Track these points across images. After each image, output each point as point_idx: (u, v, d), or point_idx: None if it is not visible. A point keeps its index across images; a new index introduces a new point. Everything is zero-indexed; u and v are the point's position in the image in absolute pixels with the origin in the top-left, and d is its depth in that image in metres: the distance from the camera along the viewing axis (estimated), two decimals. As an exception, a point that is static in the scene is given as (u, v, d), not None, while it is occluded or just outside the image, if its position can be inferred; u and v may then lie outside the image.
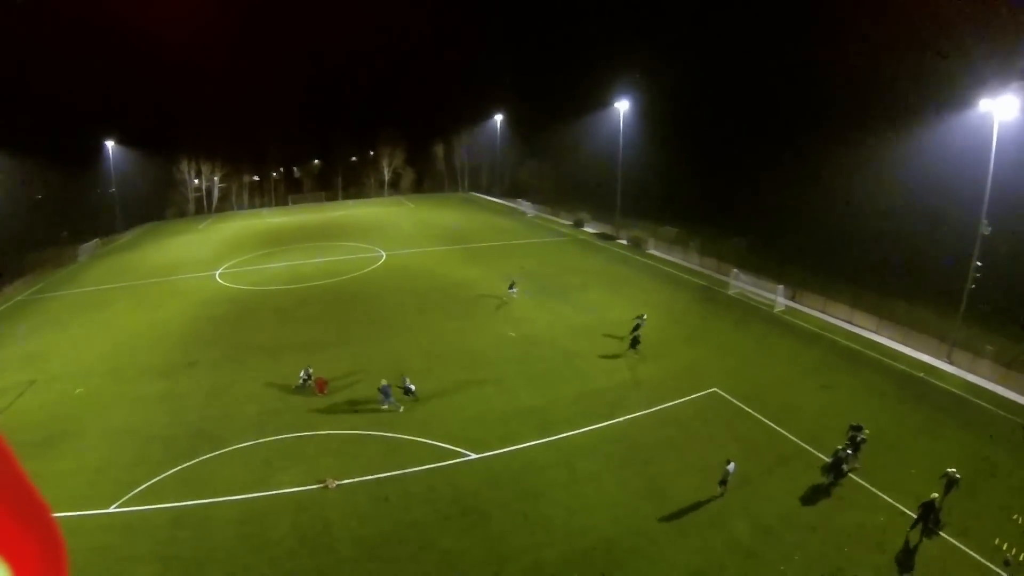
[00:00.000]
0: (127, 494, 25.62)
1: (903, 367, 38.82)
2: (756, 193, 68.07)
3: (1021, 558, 21.34)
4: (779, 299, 49.29)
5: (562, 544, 22.50)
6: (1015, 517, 23.44)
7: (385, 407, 32.37)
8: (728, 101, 76.43)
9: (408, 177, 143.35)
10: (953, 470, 24.20)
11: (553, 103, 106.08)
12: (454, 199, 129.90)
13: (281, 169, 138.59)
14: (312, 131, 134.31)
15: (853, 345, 42.43)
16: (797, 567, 21.24)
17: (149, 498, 25.48)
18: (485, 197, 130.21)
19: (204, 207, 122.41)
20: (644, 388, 35.10)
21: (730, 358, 39.63)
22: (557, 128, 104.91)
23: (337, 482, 26.18)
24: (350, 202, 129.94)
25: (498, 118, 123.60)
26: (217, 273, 64.98)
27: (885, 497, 24.95)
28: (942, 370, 38.46)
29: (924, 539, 22.13)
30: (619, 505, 24.77)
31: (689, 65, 79.95)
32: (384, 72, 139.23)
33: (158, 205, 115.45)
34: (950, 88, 47.38)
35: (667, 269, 63.36)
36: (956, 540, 22.32)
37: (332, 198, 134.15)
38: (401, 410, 32.48)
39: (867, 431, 27.61)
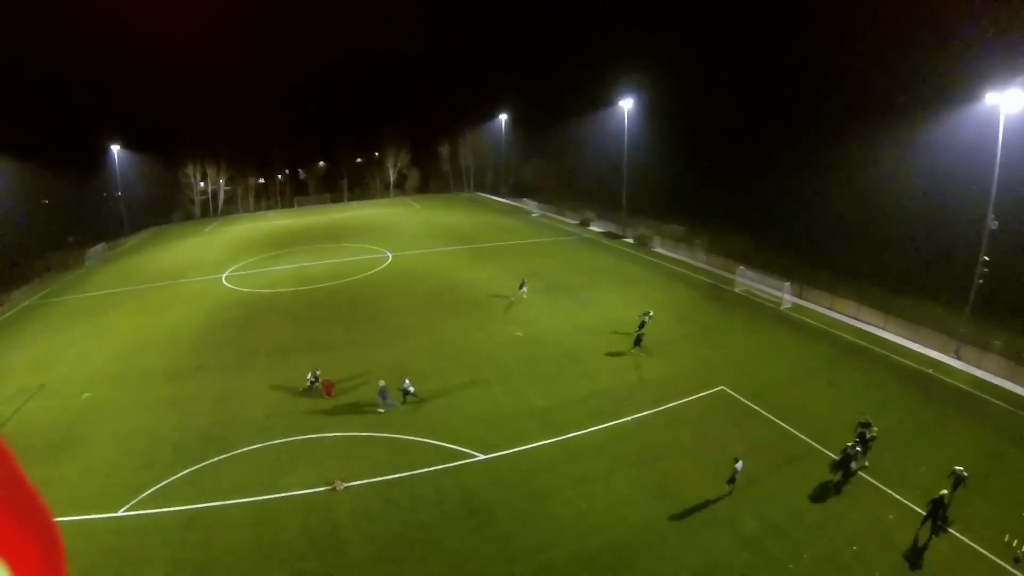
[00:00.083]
0: (136, 497, 25.69)
1: (911, 363, 38.70)
2: (762, 190, 67.95)
3: (1032, 554, 21.28)
4: (786, 296, 49.15)
5: (571, 544, 22.48)
6: (1025, 513, 23.36)
7: (381, 410, 32.46)
8: (733, 97, 76.33)
9: (413, 178, 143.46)
10: (960, 468, 24.07)
11: (558, 102, 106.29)
12: (460, 199, 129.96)
13: (286, 171, 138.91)
14: (317, 133, 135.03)
15: (860, 341, 42.31)
16: (806, 565, 21.18)
17: (159, 501, 25.54)
18: (491, 197, 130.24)
19: (210, 210, 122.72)
20: (651, 387, 35.04)
21: (737, 356, 39.56)
22: (562, 127, 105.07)
23: (345, 484, 26.21)
24: (355, 203, 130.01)
25: (503, 117, 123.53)
26: (223, 276, 65.12)
27: (894, 494, 24.88)
28: (950, 366, 38.34)
29: (933, 536, 22.05)
30: (628, 505, 24.74)
31: (694, 62, 79.92)
32: (388, 73, 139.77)
33: (164, 209, 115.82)
34: (956, 82, 47.20)
35: (673, 267, 63.26)
36: (966, 537, 22.24)
37: (337, 200, 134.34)
38: (398, 405, 32.58)
39: (876, 428, 27.53)
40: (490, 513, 24.38)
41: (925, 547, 21.77)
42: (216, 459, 28.61)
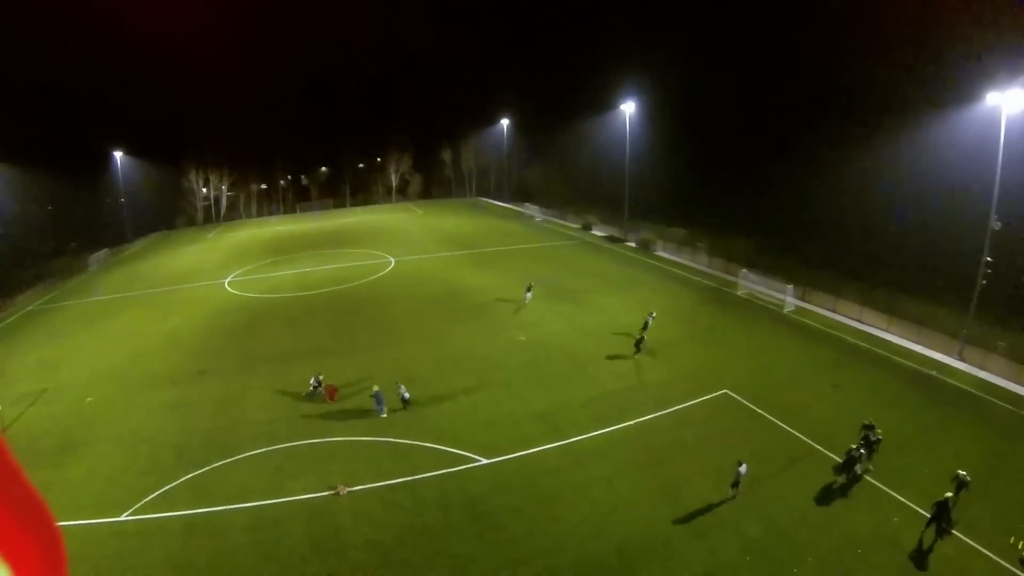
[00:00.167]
0: (139, 502, 25.70)
1: (914, 365, 38.64)
2: (763, 193, 67.93)
3: (1038, 556, 21.21)
4: (788, 299, 49.09)
5: (575, 548, 22.44)
6: (1031, 515, 23.29)
7: (384, 415, 32.51)
8: (735, 100, 76.34)
9: (416, 183, 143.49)
10: (964, 473, 24.00)
11: (559, 106, 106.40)
12: (462, 204, 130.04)
13: (289, 177, 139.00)
14: (319, 138, 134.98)
15: (863, 344, 42.26)
16: (810, 568, 21.12)
17: (161, 506, 25.54)
18: (493, 202, 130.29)
19: (213, 216, 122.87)
20: (654, 390, 35.01)
21: (740, 359, 39.52)
22: (564, 131, 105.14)
23: (348, 488, 26.19)
24: (358, 209, 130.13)
25: (504, 122, 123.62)
26: (226, 281, 65.20)
27: (898, 497, 24.81)
28: (954, 367, 38.28)
29: (938, 539, 21.95)
30: (632, 508, 24.70)
31: (695, 65, 79.90)
32: (390, 78, 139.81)
33: (167, 214, 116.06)
34: (958, 82, 47.17)
35: (676, 271, 63.25)
36: (971, 539, 22.16)
37: (340, 205, 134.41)
38: (384, 416, 32.54)
39: (880, 430, 27.48)
40: (494, 517, 24.34)
41: (930, 550, 21.69)
42: (219, 464, 28.61)
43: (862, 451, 26.22)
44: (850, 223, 58.65)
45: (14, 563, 1.76)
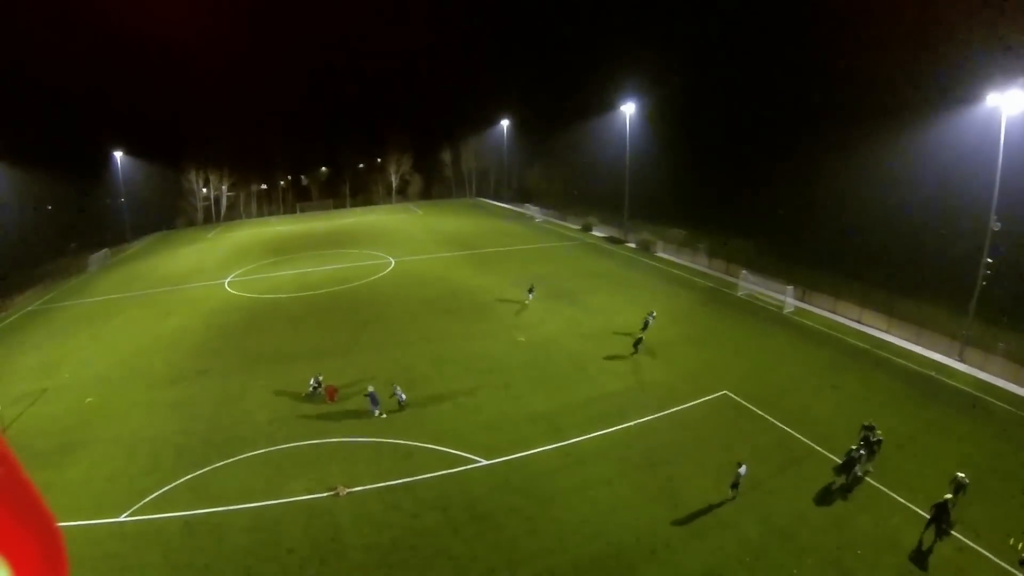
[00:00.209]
0: (139, 502, 25.69)
1: (914, 366, 38.64)
2: (763, 194, 67.95)
3: (1037, 558, 21.19)
4: (788, 300, 49.10)
5: (575, 549, 22.44)
6: (1030, 516, 23.27)
7: (384, 415, 32.56)
8: (735, 101, 76.37)
9: (416, 183, 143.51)
10: (962, 475, 23.97)
11: (560, 107, 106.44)
12: (462, 205, 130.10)
13: (288, 177, 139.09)
14: (319, 138, 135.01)
15: (863, 345, 42.26)
16: (810, 570, 21.11)
17: (161, 506, 25.54)
18: (493, 202, 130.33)
19: (213, 216, 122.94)
20: (654, 391, 35.00)
21: (740, 360, 39.52)
22: (564, 132, 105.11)
23: (348, 489, 26.18)
24: (358, 209, 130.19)
25: (505, 123, 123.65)
26: (226, 281, 65.21)
27: (898, 498, 24.80)
28: (954, 368, 38.28)
29: (937, 540, 21.93)
30: (631, 509, 24.69)
31: (695, 66, 79.92)
32: (390, 79, 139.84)
33: (167, 214, 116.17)
34: (957, 83, 47.18)
35: (676, 272, 63.26)
36: (970, 540, 22.15)
37: (340, 205, 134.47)
38: (383, 416, 32.56)
39: (880, 431, 27.48)
40: (493, 518, 24.33)
41: (930, 550, 21.67)
42: (218, 464, 28.60)
43: (862, 452, 26.21)
44: (849, 224, 58.59)
45: (14, 563, 1.76)
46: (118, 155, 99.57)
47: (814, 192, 61.88)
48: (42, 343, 48.08)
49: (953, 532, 22.19)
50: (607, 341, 42.35)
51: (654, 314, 43.82)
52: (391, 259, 71.78)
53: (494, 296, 53.99)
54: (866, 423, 28.23)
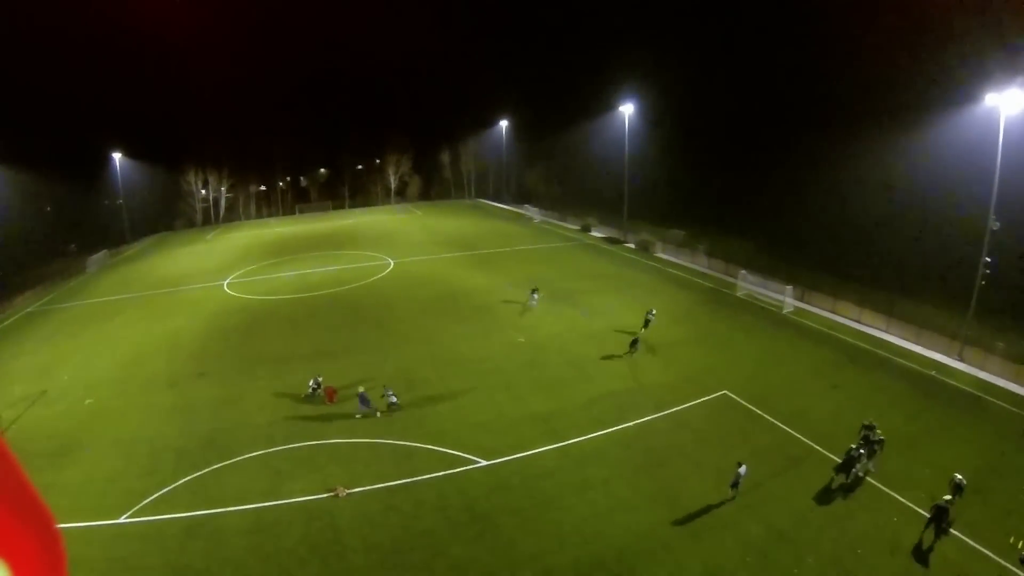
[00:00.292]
0: (138, 504, 25.66)
1: (914, 366, 38.66)
2: (762, 194, 68.00)
3: (1037, 557, 21.19)
4: (788, 300, 49.11)
5: (574, 550, 22.41)
6: (1030, 516, 23.28)
7: (358, 415, 32.56)
8: (734, 102, 76.41)
9: (415, 184, 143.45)
10: (960, 477, 23.95)
11: (558, 108, 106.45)
12: (462, 206, 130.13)
13: (287, 178, 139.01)
14: (318, 140, 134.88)
15: (863, 345, 42.27)
16: (811, 569, 21.11)
17: (160, 508, 25.51)
18: (492, 203, 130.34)
19: (211, 218, 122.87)
20: (653, 392, 34.99)
21: (739, 360, 39.52)
22: (563, 133, 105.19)
23: (347, 491, 26.16)
24: (357, 210, 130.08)
25: (503, 124, 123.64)
26: (225, 283, 65.18)
27: (898, 498, 24.80)
28: (953, 368, 38.30)
29: (937, 539, 21.91)
30: (630, 510, 24.67)
31: (694, 67, 79.98)
32: (389, 80, 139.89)
33: (166, 216, 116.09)
34: (956, 83, 47.23)
35: (675, 272, 63.25)
36: (971, 539, 22.15)
37: (339, 207, 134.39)
38: (378, 414, 32.63)
39: (879, 431, 27.49)
40: (492, 519, 24.31)
41: (930, 549, 21.67)
42: (218, 466, 28.57)
43: (861, 451, 26.20)
44: (848, 224, 58.66)
45: (14, 563, 1.76)
46: (117, 156, 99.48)
47: (813, 192, 61.88)
48: (41, 345, 48.03)
49: (954, 531, 22.19)
50: (606, 342, 42.33)
51: (654, 312, 44.12)
52: (390, 260, 71.76)
53: (493, 297, 53.98)
54: (866, 422, 28.27)
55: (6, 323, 55.33)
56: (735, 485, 24.68)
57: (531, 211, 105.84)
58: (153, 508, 25.51)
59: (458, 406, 34.04)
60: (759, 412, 32.24)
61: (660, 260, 69.05)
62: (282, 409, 34.22)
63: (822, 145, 61.70)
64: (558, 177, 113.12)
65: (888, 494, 25.12)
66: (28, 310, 59.54)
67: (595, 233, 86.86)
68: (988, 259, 38.69)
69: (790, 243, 61.57)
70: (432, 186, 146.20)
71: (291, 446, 30.10)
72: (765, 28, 72.60)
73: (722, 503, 24.70)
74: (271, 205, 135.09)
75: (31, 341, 49.22)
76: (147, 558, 22.54)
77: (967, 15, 51.44)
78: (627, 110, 76.28)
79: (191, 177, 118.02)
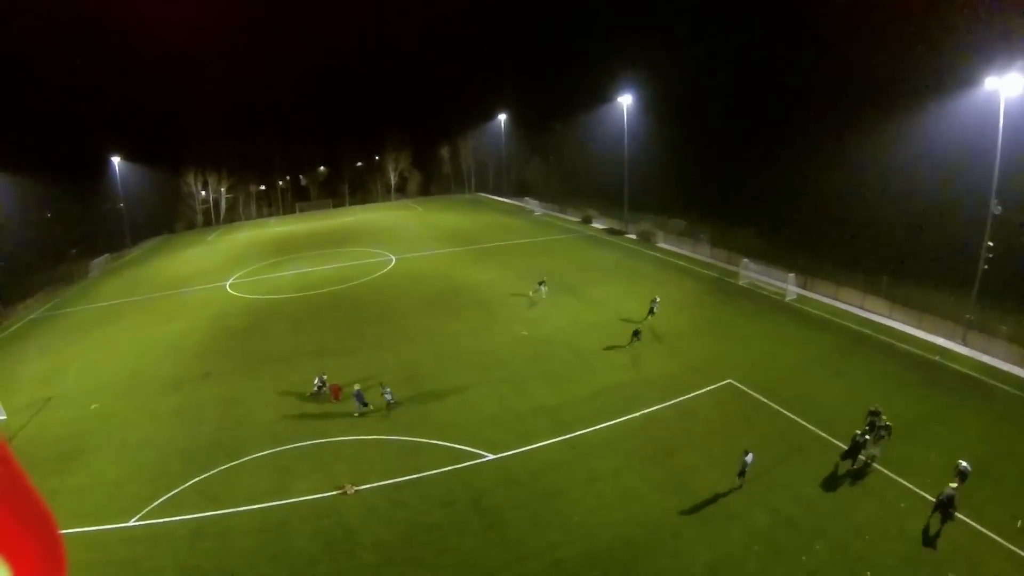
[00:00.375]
0: (147, 507, 25.75)
1: (918, 351, 38.63)
2: (763, 182, 67.79)
3: (1045, 539, 21.21)
4: (790, 287, 49.09)
5: (583, 541, 22.46)
6: (1037, 498, 23.28)
7: (356, 415, 32.61)
8: (732, 90, 76.10)
9: (414, 180, 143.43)
10: (965, 464, 23.90)
11: (557, 100, 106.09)
12: (462, 200, 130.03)
13: (287, 178, 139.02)
14: (317, 138, 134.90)
15: (866, 331, 42.25)
16: (818, 556, 21.14)
17: (169, 510, 25.59)
18: (493, 197, 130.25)
19: (212, 219, 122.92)
20: (658, 382, 35.00)
21: (744, 348, 39.52)
22: (562, 125, 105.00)
23: (355, 487, 26.22)
24: (358, 207, 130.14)
25: (502, 117, 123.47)
26: (228, 283, 65.23)
27: (904, 482, 24.81)
28: (957, 352, 38.26)
29: (944, 524, 21.90)
30: (638, 500, 24.72)
31: (692, 56, 79.67)
32: (386, 76, 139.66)
33: (166, 218, 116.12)
34: (956, 67, 47.03)
35: (677, 262, 63.22)
36: (978, 524, 22.14)
37: (339, 204, 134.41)
38: (371, 408, 32.76)
39: (885, 417, 27.48)
40: (500, 513, 24.37)
41: (938, 534, 21.67)
42: (225, 466, 28.65)
43: (866, 436, 26.20)
44: (850, 209, 58.45)
45: (14, 563, 1.77)
46: (116, 160, 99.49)
47: (813, 178, 61.67)
48: (46, 351, 48.13)
49: (961, 516, 22.17)
50: (610, 333, 42.34)
51: (658, 299, 44.31)
52: (392, 256, 71.77)
53: (496, 291, 54.01)
54: (872, 408, 28.26)
55: (10, 330, 55.44)
56: (742, 473, 24.71)
57: (531, 204, 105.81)
58: (161, 510, 25.59)
59: (463, 400, 34.09)
60: (764, 400, 32.26)
61: (662, 250, 69.03)
62: (287, 408, 34.29)
63: (822, 131, 61.44)
64: (558, 169, 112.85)
65: (894, 479, 25.12)
66: (31, 316, 59.63)
67: (596, 224, 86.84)
68: (990, 243, 38.63)
69: (792, 230, 61.39)
70: (432, 181, 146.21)
71: (298, 445, 30.17)
72: (764, 14, 72.27)
73: (729, 491, 24.73)
74: (271, 205, 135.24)
75: (36, 347, 49.32)
76: (157, 560, 22.62)
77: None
78: (626, 101, 76.13)
79: (191, 179, 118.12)
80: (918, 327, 41.97)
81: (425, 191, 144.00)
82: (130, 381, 40.26)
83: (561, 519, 23.76)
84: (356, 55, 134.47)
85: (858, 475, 25.55)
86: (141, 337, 49.38)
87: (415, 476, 27.04)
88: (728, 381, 34.59)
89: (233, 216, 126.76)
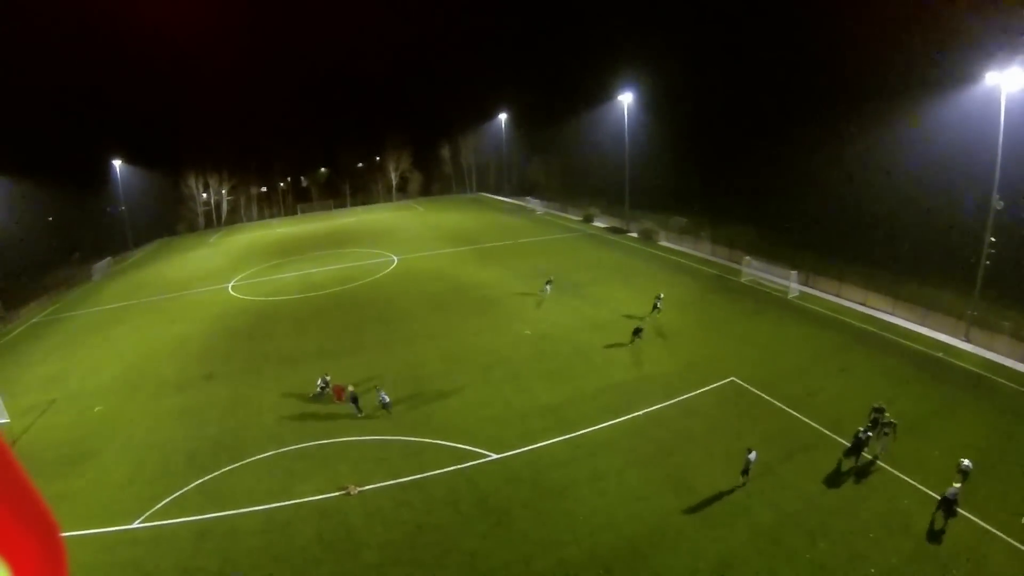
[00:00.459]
0: (151, 508, 25.76)
1: (920, 347, 38.61)
2: (764, 179, 67.75)
3: (1050, 535, 21.19)
4: (792, 285, 49.07)
5: (587, 540, 22.46)
6: (1041, 494, 23.25)
7: (360, 414, 32.63)
8: (733, 86, 76.06)
9: (416, 180, 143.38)
10: (967, 462, 23.87)
11: (557, 99, 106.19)
12: (463, 200, 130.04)
13: (288, 179, 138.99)
14: (317, 139, 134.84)
15: (869, 328, 42.22)
16: (823, 554, 21.13)
17: (173, 512, 25.60)
18: (494, 197, 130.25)
19: (213, 221, 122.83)
20: (661, 380, 35.00)
21: (746, 346, 39.50)
22: (562, 124, 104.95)
23: (359, 488, 26.23)
24: (359, 208, 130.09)
25: (502, 116, 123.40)
26: (230, 285, 65.25)
27: (908, 479, 24.80)
28: (960, 349, 38.25)
29: (947, 520, 21.89)
30: (642, 499, 24.72)
31: (692, 54, 79.63)
32: (386, 76, 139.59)
33: (168, 221, 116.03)
34: (956, 63, 46.96)
35: (679, 260, 63.21)
36: (982, 520, 22.13)
37: (340, 205, 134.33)
38: (364, 413, 32.61)
39: (888, 414, 27.47)
40: (504, 512, 24.37)
41: (942, 531, 21.67)
42: (228, 468, 28.67)
43: (869, 433, 26.19)
44: (851, 207, 58.42)
45: (14, 563, 1.77)
46: (117, 163, 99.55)
47: (815, 175, 61.63)
48: (49, 354, 48.16)
49: (965, 512, 22.16)
50: (613, 331, 42.34)
51: (662, 296, 44.66)
52: (394, 257, 71.78)
53: (498, 290, 54.02)
54: (876, 405, 28.27)
55: (13, 334, 55.47)
56: (745, 471, 24.71)
57: (533, 203, 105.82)
58: (165, 512, 25.61)
59: (466, 400, 34.10)
60: (767, 398, 32.25)
61: (663, 248, 69.02)
62: (291, 409, 34.30)
63: (823, 128, 61.40)
64: (559, 168, 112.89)
65: (898, 476, 25.11)
66: (34, 320, 59.66)
67: (598, 223, 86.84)
68: (992, 239, 38.60)
69: (794, 228, 61.39)
70: (433, 181, 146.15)
71: (301, 446, 30.18)
72: (765, 10, 72.22)
73: (733, 489, 24.73)
74: (272, 206, 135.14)
75: (39, 351, 49.35)
76: (161, 561, 22.64)
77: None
78: (626, 99, 76.11)
79: (192, 181, 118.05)
80: (921, 324, 41.93)
81: (426, 191, 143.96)
82: (133, 383, 40.29)
83: (565, 518, 23.76)
84: (356, 55, 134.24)
85: (862, 472, 25.55)
86: (144, 339, 49.42)
87: (419, 476, 27.05)
88: (731, 379, 34.59)
89: (234, 218, 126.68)
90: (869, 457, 26.11)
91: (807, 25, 64.42)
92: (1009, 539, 21.22)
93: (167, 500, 26.35)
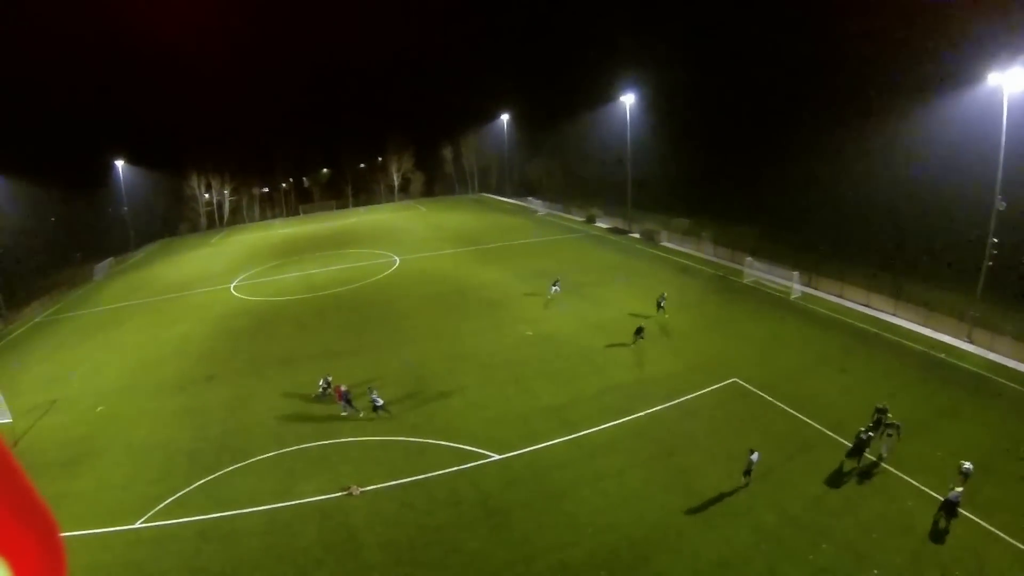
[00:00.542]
0: (152, 509, 25.76)
1: (923, 348, 38.53)
2: (767, 180, 67.77)
3: (1053, 536, 21.13)
4: (795, 285, 48.99)
5: (588, 541, 22.44)
6: (1044, 495, 23.20)
7: (344, 414, 32.61)
8: (735, 87, 76.11)
9: (418, 181, 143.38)
10: (969, 465, 23.80)
11: (559, 99, 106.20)
12: (465, 201, 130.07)
13: (290, 180, 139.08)
14: (319, 140, 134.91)
15: (871, 328, 42.15)
16: (825, 555, 21.09)
17: (174, 512, 25.61)
18: (496, 197, 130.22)
19: (216, 221, 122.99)
20: (663, 381, 34.95)
21: (748, 347, 39.45)
22: (564, 125, 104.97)
23: (360, 489, 26.22)
24: (361, 209, 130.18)
25: (504, 117, 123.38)
26: (232, 286, 65.29)
27: (911, 480, 24.75)
28: (962, 350, 38.16)
29: (950, 521, 21.84)
30: (644, 500, 24.69)
31: (694, 55, 79.69)
32: (388, 77, 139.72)
33: (170, 221, 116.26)
34: (958, 63, 46.95)
35: (681, 260, 63.12)
36: (985, 522, 22.08)
37: (343, 206, 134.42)
38: (361, 415, 32.56)
39: (891, 415, 27.44)
40: (506, 513, 24.35)
41: (946, 531, 21.63)
42: (230, 468, 28.67)
43: (870, 434, 26.15)
44: (854, 208, 58.42)
45: (14, 563, 1.77)
46: (120, 164, 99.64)
47: (817, 176, 61.64)
48: (51, 354, 48.21)
49: (968, 514, 22.12)
50: (615, 332, 42.28)
51: (666, 295, 44.78)
52: (396, 257, 71.79)
53: (500, 291, 53.99)
54: (879, 405, 28.25)
55: (15, 334, 55.57)
56: (747, 472, 24.67)
57: (535, 204, 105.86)
58: (167, 512, 25.62)
59: (468, 401, 34.07)
60: (769, 398, 32.20)
61: (665, 249, 68.92)
62: (293, 409, 34.30)
63: (826, 129, 61.43)
64: (561, 169, 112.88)
65: (901, 477, 25.06)
66: (36, 320, 59.76)
67: (600, 224, 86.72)
68: (995, 240, 38.54)
69: (796, 228, 61.38)
70: (435, 182, 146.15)
71: (303, 446, 30.18)
72: (767, 10, 72.25)
73: (735, 490, 24.69)
74: (275, 207, 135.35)
75: (41, 351, 49.42)
76: (163, 562, 22.65)
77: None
78: (628, 100, 76.09)
79: (194, 181, 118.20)
80: (923, 325, 41.86)
81: (428, 192, 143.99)
82: (135, 383, 40.32)
83: (567, 519, 23.73)
84: (358, 56, 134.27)
85: (865, 473, 25.51)
86: (146, 340, 49.45)
87: (421, 477, 27.03)
88: (733, 380, 34.53)
89: (237, 219, 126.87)
90: (872, 458, 26.06)
91: (810, 26, 64.47)
92: (1012, 540, 21.17)
93: (169, 500, 26.36)
